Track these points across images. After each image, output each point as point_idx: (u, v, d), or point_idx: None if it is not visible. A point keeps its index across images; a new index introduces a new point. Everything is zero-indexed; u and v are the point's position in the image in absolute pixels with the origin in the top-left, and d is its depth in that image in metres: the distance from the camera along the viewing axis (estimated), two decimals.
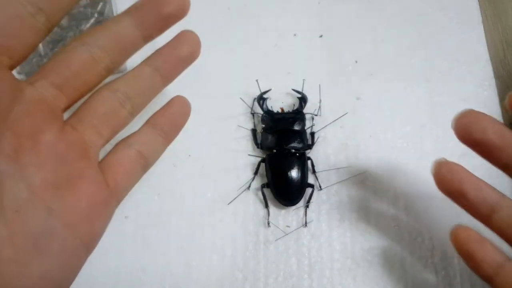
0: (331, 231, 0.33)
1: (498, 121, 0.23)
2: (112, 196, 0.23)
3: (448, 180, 0.24)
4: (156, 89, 0.25)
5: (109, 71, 0.24)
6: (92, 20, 0.35)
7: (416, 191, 0.34)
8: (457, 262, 0.32)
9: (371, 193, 0.34)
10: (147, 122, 0.26)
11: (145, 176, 0.34)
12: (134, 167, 0.24)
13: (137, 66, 0.25)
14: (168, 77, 0.25)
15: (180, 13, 0.24)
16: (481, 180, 0.24)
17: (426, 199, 0.34)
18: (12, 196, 0.19)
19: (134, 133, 0.25)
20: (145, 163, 0.25)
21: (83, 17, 0.35)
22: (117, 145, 0.25)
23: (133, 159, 0.24)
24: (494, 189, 0.24)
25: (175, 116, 0.26)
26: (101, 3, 0.36)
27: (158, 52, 0.25)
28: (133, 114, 0.25)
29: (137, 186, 0.34)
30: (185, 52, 0.25)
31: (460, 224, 0.25)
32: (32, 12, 0.20)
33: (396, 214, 0.34)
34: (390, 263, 0.32)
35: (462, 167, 0.24)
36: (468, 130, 0.23)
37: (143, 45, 0.24)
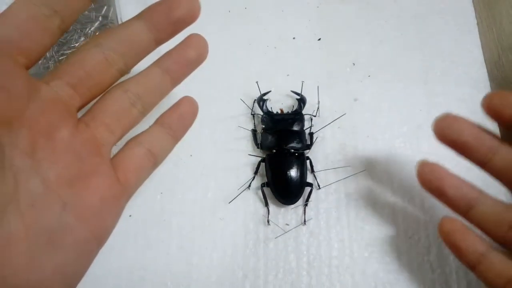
0: (329, 229, 0.34)
1: (473, 122, 0.25)
2: (123, 191, 0.24)
3: (429, 179, 0.26)
4: (166, 89, 0.26)
5: (122, 72, 0.25)
6: (96, 24, 0.36)
7: (412, 190, 0.35)
8: (453, 260, 0.33)
9: (369, 192, 0.35)
10: (157, 121, 0.27)
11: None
12: (144, 164, 0.25)
13: (147, 68, 0.26)
14: (177, 78, 0.26)
15: (190, 18, 0.25)
16: (460, 178, 0.26)
17: (422, 198, 0.35)
18: (27, 191, 0.20)
19: (144, 131, 0.26)
20: (155, 161, 0.26)
21: (88, 20, 0.36)
22: (128, 143, 0.25)
23: (143, 157, 0.25)
24: (473, 186, 0.26)
25: (183, 116, 0.27)
26: (105, 7, 0.36)
27: (167, 54, 0.26)
28: (143, 113, 0.26)
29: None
30: (193, 54, 0.26)
31: (447, 215, 0.27)
32: (47, 14, 0.21)
33: (393, 213, 0.34)
34: (387, 261, 0.33)
35: (442, 167, 0.26)
36: (446, 132, 0.25)
37: (155, 48, 0.25)
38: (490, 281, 0.26)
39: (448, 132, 0.25)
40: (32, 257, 0.20)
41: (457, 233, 0.26)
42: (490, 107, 0.24)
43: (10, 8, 0.20)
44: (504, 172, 0.25)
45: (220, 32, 0.40)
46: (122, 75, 0.25)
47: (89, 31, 0.36)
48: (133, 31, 0.24)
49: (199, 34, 0.26)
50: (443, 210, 0.34)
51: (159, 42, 0.25)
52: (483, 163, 0.25)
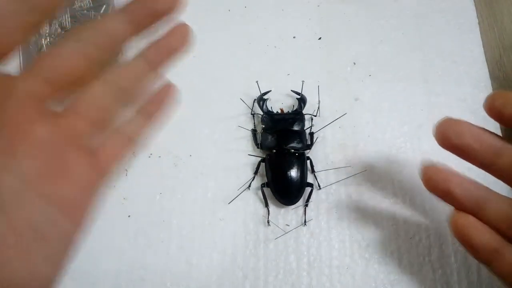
0: (329, 230, 0.34)
1: (474, 125, 0.25)
2: (102, 179, 0.24)
3: (435, 182, 0.25)
4: (149, 80, 0.26)
5: (102, 66, 0.24)
6: None
7: (413, 190, 0.35)
8: (454, 260, 0.33)
9: (369, 192, 0.35)
10: (136, 110, 0.26)
11: (148, 175, 0.35)
12: (122, 151, 0.25)
13: (130, 59, 0.25)
14: (160, 68, 0.26)
15: (168, 10, 0.24)
16: (466, 177, 0.26)
17: (423, 198, 0.34)
18: (8, 187, 0.20)
19: (123, 119, 0.26)
20: (133, 147, 0.26)
21: (86, 19, 0.36)
22: (107, 131, 0.25)
23: (121, 144, 0.25)
24: (480, 185, 0.26)
25: (162, 101, 0.27)
26: (104, 6, 0.36)
27: (150, 44, 0.25)
28: (125, 104, 0.26)
29: (139, 185, 0.35)
30: (176, 44, 0.26)
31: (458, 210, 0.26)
32: (20, 10, 0.20)
33: (394, 213, 0.34)
34: (388, 261, 0.33)
35: (447, 167, 0.26)
36: (447, 136, 0.25)
37: (135, 39, 0.25)
38: (505, 276, 0.25)
39: (449, 136, 0.25)
40: (21, 251, 0.20)
41: (470, 228, 0.25)
42: (492, 108, 0.24)
43: None
44: (509, 173, 0.24)
45: (220, 31, 0.40)
46: (101, 68, 0.24)
47: None
48: (111, 23, 0.23)
49: (183, 23, 0.26)
50: (444, 211, 0.34)
51: (138, 33, 0.24)
52: (487, 166, 0.25)
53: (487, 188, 0.26)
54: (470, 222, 0.25)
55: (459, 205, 0.25)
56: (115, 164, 0.25)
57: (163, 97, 0.26)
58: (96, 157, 0.24)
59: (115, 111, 0.25)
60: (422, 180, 0.26)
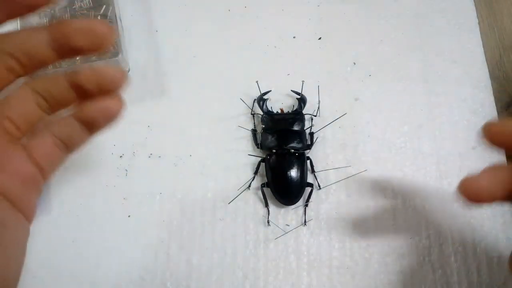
0: (329, 230, 0.34)
1: (490, 170, 0.24)
2: (39, 174, 0.25)
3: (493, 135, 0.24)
4: (73, 98, 0.25)
5: (20, 77, 0.24)
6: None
7: (413, 190, 0.35)
8: (454, 260, 0.33)
9: (369, 193, 0.35)
10: (73, 112, 0.26)
11: (148, 176, 0.35)
12: (55, 152, 0.26)
13: (58, 74, 0.25)
14: (82, 96, 0.25)
15: (94, 49, 0.24)
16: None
17: (423, 198, 0.34)
18: None
19: (58, 120, 0.26)
20: (66, 150, 0.26)
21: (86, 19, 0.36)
22: (40, 129, 0.26)
23: (53, 145, 0.26)
24: None
25: (101, 116, 0.25)
26: (104, 6, 0.36)
27: (81, 70, 0.25)
28: (49, 113, 0.26)
29: (139, 186, 0.35)
30: (85, 81, 0.25)
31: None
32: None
33: (394, 213, 0.34)
34: (388, 262, 0.33)
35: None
36: (472, 198, 0.24)
37: (55, 61, 0.24)
38: None
39: (475, 196, 0.23)
40: None
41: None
42: (492, 137, 0.24)
43: None
44: None
45: (220, 31, 0.40)
46: (18, 77, 0.25)
47: None
48: (34, 41, 0.23)
49: (118, 71, 0.25)
50: (444, 211, 0.34)
51: (60, 58, 0.24)
52: None
53: None
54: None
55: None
56: (47, 162, 0.26)
57: (102, 110, 0.25)
58: (30, 152, 0.25)
59: (38, 118, 0.26)
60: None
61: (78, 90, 0.25)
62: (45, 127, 0.26)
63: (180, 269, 0.33)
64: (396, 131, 0.37)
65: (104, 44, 0.23)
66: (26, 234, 0.24)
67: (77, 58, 0.36)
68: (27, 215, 0.24)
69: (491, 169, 0.24)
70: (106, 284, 0.33)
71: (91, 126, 0.26)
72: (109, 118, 0.25)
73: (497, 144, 0.24)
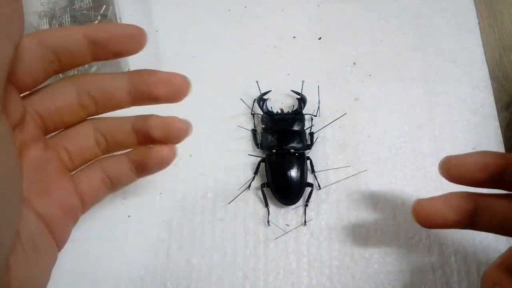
0: (329, 230, 0.34)
1: (476, 156, 0.25)
2: (80, 207, 0.26)
3: (423, 220, 0.26)
4: (132, 144, 0.27)
5: (90, 116, 0.26)
6: (95, 23, 0.36)
7: (413, 190, 0.35)
8: (454, 260, 0.33)
9: (369, 192, 0.35)
10: (127, 153, 0.27)
11: (148, 176, 0.35)
12: (100, 188, 0.27)
13: (123, 117, 0.27)
14: (142, 141, 0.27)
15: (171, 99, 0.25)
16: (449, 201, 0.26)
17: (423, 198, 0.34)
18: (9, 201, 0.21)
19: (109, 157, 0.27)
20: (111, 187, 0.27)
21: (86, 19, 0.36)
22: (92, 163, 0.27)
23: (100, 181, 0.27)
24: (467, 197, 0.26)
25: (154, 163, 0.27)
26: (104, 6, 0.36)
27: (144, 117, 0.26)
28: (105, 153, 0.27)
29: (139, 186, 0.35)
30: (158, 134, 0.26)
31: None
32: (51, 59, 0.22)
33: (394, 213, 0.34)
34: (388, 262, 0.33)
35: (430, 201, 0.26)
36: (450, 174, 0.26)
37: (130, 106, 0.26)
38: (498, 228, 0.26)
39: (452, 174, 0.25)
40: (27, 259, 0.21)
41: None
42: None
43: (23, 40, 0.21)
44: None
45: (219, 31, 0.40)
46: (88, 117, 0.26)
47: None
48: (114, 85, 0.25)
49: (185, 123, 0.26)
50: None
51: (136, 104, 0.26)
52: (498, 184, 0.25)
53: (476, 197, 0.26)
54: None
55: (454, 227, 0.26)
56: (91, 197, 0.27)
57: (156, 158, 0.26)
58: (76, 184, 0.26)
59: (94, 156, 0.27)
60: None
61: (141, 135, 0.26)
62: (97, 162, 0.27)
63: (180, 269, 0.33)
64: (396, 131, 0.37)
65: (181, 96, 0.25)
66: (53, 260, 0.25)
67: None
68: (59, 243, 0.25)
69: (445, 195, 0.26)
70: (106, 284, 0.33)
71: (142, 170, 0.27)
72: (162, 165, 0.27)
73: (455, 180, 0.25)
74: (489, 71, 0.38)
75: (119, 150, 0.27)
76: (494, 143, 0.36)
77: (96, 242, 0.34)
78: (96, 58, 0.24)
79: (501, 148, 0.36)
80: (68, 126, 0.26)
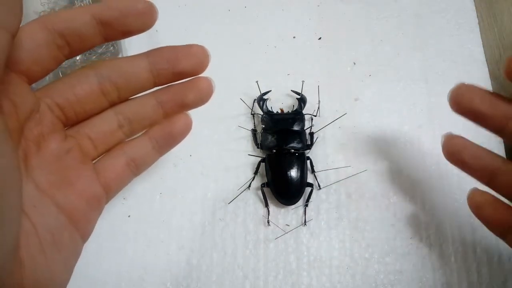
0: (329, 230, 0.34)
1: (487, 91, 0.25)
2: (104, 195, 0.26)
3: (451, 152, 0.27)
4: (156, 120, 0.27)
5: (112, 104, 0.25)
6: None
7: (413, 190, 0.35)
8: (454, 260, 0.33)
9: (369, 193, 0.35)
10: (146, 132, 0.27)
11: (148, 176, 0.35)
12: (125, 173, 0.26)
13: (144, 95, 0.26)
14: (170, 113, 0.27)
15: (194, 72, 0.25)
16: (482, 149, 0.26)
17: (423, 198, 0.34)
18: (26, 194, 0.21)
19: (131, 141, 0.27)
20: (136, 170, 0.27)
21: None
22: (112, 150, 0.26)
23: (124, 166, 0.26)
24: (496, 156, 0.26)
25: (173, 135, 0.27)
26: None
27: (167, 88, 0.26)
28: (128, 136, 0.27)
29: (139, 186, 0.35)
30: (191, 98, 0.26)
31: (476, 188, 0.27)
32: (60, 44, 0.22)
33: (394, 213, 0.34)
34: (388, 262, 0.33)
35: (463, 139, 0.27)
36: (458, 101, 0.26)
37: (153, 87, 0.25)
38: None
39: (461, 101, 0.26)
40: (45, 254, 0.21)
41: (487, 205, 0.26)
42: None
43: (27, 28, 0.21)
44: None
45: (219, 31, 0.40)
46: (111, 106, 0.26)
47: None
48: (135, 67, 0.24)
49: (208, 78, 0.26)
50: (444, 211, 0.34)
51: (158, 84, 0.25)
52: (499, 130, 0.25)
53: (503, 159, 0.26)
54: (486, 199, 0.26)
55: (473, 174, 0.26)
56: (115, 184, 0.26)
57: (175, 129, 0.27)
58: (99, 173, 0.25)
59: (117, 140, 0.26)
60: (442, 150, 0.27)
61: (170, 107, 0.26)
62: (120, 146, 0.27)
63: (180, 269, 0.33)
64: (396, 131, 0.37)
65: (204, 66, 0.25)
66: (77, 256, 0.24)
67: (77, 58, 0.36)
68: (83, 235, 0.24)
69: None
70: (106, 284, 0.33)
71: (165, 145, 0.27)
72: (183, 135, 0.27)
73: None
74: (489, 71, 0.38)
75: (143, 130, 0.27)
76: (494, 143, 0.36)
77: (96, 242, 0.34)
78: (107, 38, 0.23)
79: (501, 148, 0.36)
80: (90, 116, 0.25)
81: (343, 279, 0.32)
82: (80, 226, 0.24)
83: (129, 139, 0.27)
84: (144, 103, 0.26)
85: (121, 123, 0.26)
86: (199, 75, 0.26)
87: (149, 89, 0.25)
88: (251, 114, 0.37)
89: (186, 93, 0.26)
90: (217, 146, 0.36)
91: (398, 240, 0.33)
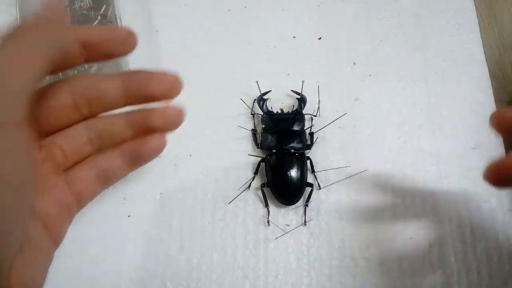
0: (329, 230, 0.34)
1: None
2: (75, 205, 0.26)
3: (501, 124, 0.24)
4: (126, 138, 0.27)
5: (83, 118, 0.26)
6: (95, 23, 0.36)
7: (413, 190, 0.35)
8: (454, 260, 0.33)
9: (369, 192, 0.35)
10: (118, 147, 0.27)
11: (148, 176, 0.35)
12: (95, 184, 0.27)
13: (115, 114, 0.27)
14: (139, 134, 0.27)
15: (165, 97, 0.26)
16: None
17: (423, 198, 0.34)
18: (4, 203, 0.21)
19: (102, 153, 0.27)
20: (106, 183, 0.28)
21: (87, 19, 0.36)
22: (85, 161, 0.27)
23: (95, 177, 0.27)
24: None
25: (144, 153, 0.27)
26: (104, 6, 0.36)
27: (138, 110, 0.27)
28: (99, 150, 0.27)
29: (139, 186, 0.35)
30: (158, 124, 0.27)
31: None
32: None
33: (394, 213, 0.34)
34: (388, 261, 0.33)
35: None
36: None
37: (124, 106, 0.26)
38: None
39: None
40: (23, 260, 0.21)
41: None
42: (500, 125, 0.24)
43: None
44: None
45: (219, 31, 0.40)
46: (81, 119, 0.26)
47: None
48: (108, 85, 0.25)
49: (178, 109, 0.27)
50: (444, 211, 0.34)
51: (129, 104, 0.26)
52: None
53: None
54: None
55: None
56: (86, 194, 0.27)
57: (148, 148, 0.27)
58: (72, 184, 0.26)
59: (87, 154, 0.27)
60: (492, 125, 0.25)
61: (138, 128, 0.26)
62: (91, 159, 0.27)
63: (180, 269, 0.33)
64: (396, 131, 0.37)
65: (175, 94, 0.25)
66: (50, 260, 0.25)
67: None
68: (56, 242, 0.25)
69: None
70: (106, 284, 0.33)
71: (135, 162, 0.28)
72: (155, 154, 0.27)
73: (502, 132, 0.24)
74: (489, 71, 0.38)
75: (112, 146, 0.28)
76: (494, 143, 0.36)
77: (96, 242, 0.34)
78: (88, 60, 0.24)
79: (501, 148, 0.36)
80: (62, 128, 0.26)
81: (343, 279, 0.32)
82: (53, 233, 0.24)
83: (102, 152, 0.27)
84: (114, 121, 0.27)
85: (91, 138, 0.27)
86: (170, 105, 0.26)
87: (120, 107, 0.26)
88: (251, 114, 0.37)
89: (153, 119, 0.26)
90: (217, 146, 0.36)
91: (398, 240, 0.33)
